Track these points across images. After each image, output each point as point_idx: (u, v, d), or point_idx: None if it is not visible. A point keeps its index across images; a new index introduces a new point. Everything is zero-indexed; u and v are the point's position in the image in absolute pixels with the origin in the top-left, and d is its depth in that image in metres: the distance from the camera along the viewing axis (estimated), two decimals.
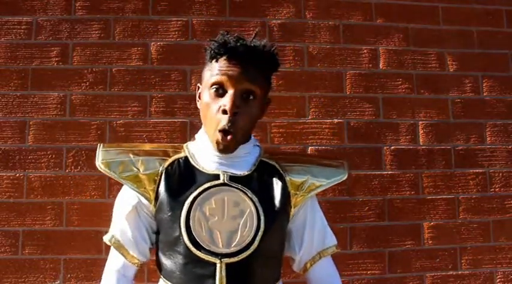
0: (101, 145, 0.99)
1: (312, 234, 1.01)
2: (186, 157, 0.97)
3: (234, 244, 0.87)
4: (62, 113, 1.41)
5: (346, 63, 1.52)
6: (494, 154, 1.54)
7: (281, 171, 0.98)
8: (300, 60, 1.50)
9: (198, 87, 1.02)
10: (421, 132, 1.52)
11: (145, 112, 1.43)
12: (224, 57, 0.90)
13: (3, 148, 1.38)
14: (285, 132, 1.46)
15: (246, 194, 0.91)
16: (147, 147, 1.03)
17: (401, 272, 1.44)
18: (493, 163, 1.53)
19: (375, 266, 1.44)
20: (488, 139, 1.55)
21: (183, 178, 0.94)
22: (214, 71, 0.91)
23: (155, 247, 0.98)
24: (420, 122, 1.52)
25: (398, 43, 1.55)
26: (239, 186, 0.92)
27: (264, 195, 0.93)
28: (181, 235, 0.87)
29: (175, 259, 0.90)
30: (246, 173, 0.95)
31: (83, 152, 1.39)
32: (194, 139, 1.04)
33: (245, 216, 0.89)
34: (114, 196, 1.35)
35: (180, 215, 0.89)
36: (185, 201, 0.90)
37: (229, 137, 0.88)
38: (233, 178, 0.93)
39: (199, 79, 1.00)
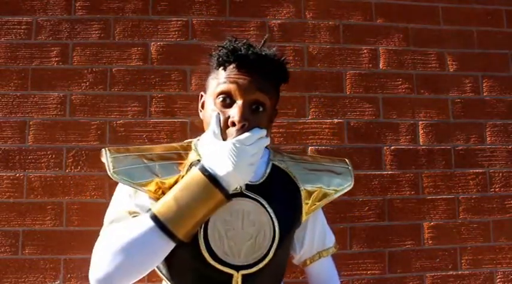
0: (107, 152, 0.90)
1: (313, 236, 1.01)
2: (198, 161, 0.89)
3: (252, 255, 0.86)
4: (62, 113, 1.41)
5: (346, 63, 1.52)
6: (494, 154, 1.54)
7: (295, 181, 0.96)
8: (300, 60, 1.50)
9: (201, 96, 0.97)
10: (421, 132, 1.52)
11: (145, 112, 1.43)
12: (233, 65, 0.85)
13: (3, 148, 1.38)
14: (285, 132, 1.46)
15: (262, 205, 0.88)
16: (157, 150, 0.95)
17: (401, 272, 1.44)
18: (493, 163, 1.53)
19: (375, 266, 1.44)
20: (488, 139, 1.55)
21: None
22: (221, 79, 0.85)
23: None
24: (420, 122, 1.52)
25: (398, 43, 1.55)
26: (255, 196, 0.89)
27: (278, 204, 0.90)
28: (199, 245, 0.84)
29: (187, 266, 0.87)
30: (261, 181, 0.92)
31: (83, 152, 1.39)
32: (199, 138, 0.99)
33: (262, 227, 0.87)
34: None
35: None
36: None
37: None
38: (248, 187, 0.90)
39: (202, 87, 0.97)
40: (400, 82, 1.54)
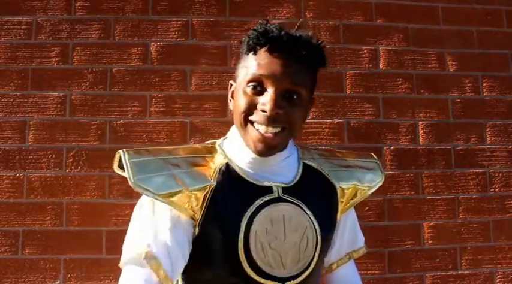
0: (126, 155, 0.77)
1: (343, 235, 0.95)
2: (227, 165, 0.83)
3: (296, 265, 0.78)
4: (62, 113, 1.41)
5: (346, 63, 1.52)
6: (494, 154, 1.54)
7: (330, 179, 0.89)
8: None
9: (231, 85, 0.89)
10: (421, 132, 1.52)
11: (145, 112, 1.43)
12: (264, 49, 0.77)
13: (3, 148, 1.38)
14: None
15: (302, 208, 0.81)
16: (182, 152, 0.83)
17: (401, 272, 1.44)
18: (493, 163, 1.53)
19: (375, 266, 1.44)
20: (488, 139, 1.55)
21: (232, 193, 0.79)
22: (251, 65, 0.78)
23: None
24: (420, 122, 1.52)
25: (398, 43, 1.55)
26: (294, 199, 0.81)
27: (316, 206, 0.83)
28: (239, 260, 0.75)
29: None
30: (295, 181, 0.85)
31: (83, 152, 1.39)
32: (226, 137, 0.92)
33: (304, 233, 0.79)
34: (114, 196, 1.37)
35: (238, 239, 0.75)
36: (240, 222, 0.76)
37: (269, 139, 0.77)
38: (287, 190, 0.82)
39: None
40: (400, 82, 1.54)
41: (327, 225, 0.85)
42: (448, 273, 1.46)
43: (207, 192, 0.77)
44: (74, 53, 1.44)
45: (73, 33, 1.44)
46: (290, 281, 0.77)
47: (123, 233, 0.83)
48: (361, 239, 0.99)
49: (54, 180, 1.37)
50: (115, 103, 1.42)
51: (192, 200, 0.76)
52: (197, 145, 0.90)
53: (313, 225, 0.81)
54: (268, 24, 0.79)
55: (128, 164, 0.75)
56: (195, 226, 0.78)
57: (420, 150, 1.51)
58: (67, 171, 1.38)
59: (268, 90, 0.76)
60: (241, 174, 0.82)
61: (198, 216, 0.77)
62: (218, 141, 0.90)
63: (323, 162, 0.92)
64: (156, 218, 0.77)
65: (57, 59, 1.43)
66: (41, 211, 1.36)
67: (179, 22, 1.48)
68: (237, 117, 0.80)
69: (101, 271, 1.35)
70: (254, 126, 0.77)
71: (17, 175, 1.37)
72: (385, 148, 1.50)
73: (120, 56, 1.45)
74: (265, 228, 0.77)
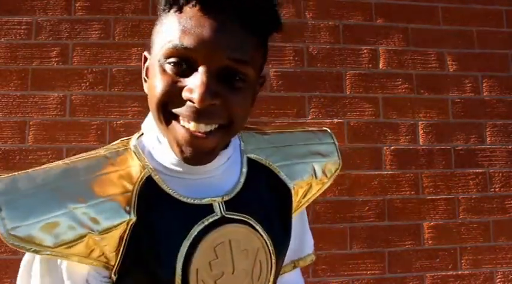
0: None
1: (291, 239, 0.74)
2: (148, 180, 0.58)
3: None
4: (62, 113, 1.41)
5: (346, 63, 1.52)
6: (494, 154, 1.54)
7: (281, 177, 0.68)
8: (300, 60, 1.50)
9: (145, 59, 0.65)
10: (421, 132, 1.52)
11: (145, 112, 1.42)
12: (192, 4, 0.51)
13: (3, 148, 1.38)
14: None
15: (251, 224, 0.60)
16: (80, 169, 0.57)
17: (401, 272, 1.44)
18: (493, 163, 1.53)
19: (375, 266, 1.44)
20: (488, 139, 1.55)
21: (161, 223, 0.56)
22: (172, 30, 0.52)
23: None
24: (420, 122, 1.52)
25: (398, 43, 1.55)
26: (241, 216, 0.60)
27: (266, 216, 0.64)
28: None
29: None
30: (239, 188, 0.62)
31: (83, 152, 1.39)
32: (141, 132, 0.68)
33: (256, 257, 0.60)
34: None
35: (174, 281, 0.55)
36: (175, 262, 0.55)
37: (201, 141, 0.53)
38: (231, 204, 0.60)
39: (146, 47, 0.65)
40: (400, 82, 1.54)
41: (283, 237, 0.66)
42: (448, 273, 1.46)
43: (124, 231, 0.54)
44: (74, 53, 1.44)
45: (73, 33, 1.44)
46: None
47: None
48: (309, 245, 0.78)
49: None
50: (115, 103, 1.43)
51: (103, 245, 0.54)
52: (101, 152, 0.61)
53: (266, 243, 0.61)
54: None
55: (1, 210, 0.50)
56: (114, 274, 0.56)
57: (420, 150, 1.51)
58: None
59: (199, 68, 0.50)
60: (168, 191, 0.58)
61: (114, 262, 0.55)
62: (132, 140, 0.64)
63: (272, 152, 0.69)
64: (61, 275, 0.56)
65: (57, 59, 1.43)
66: None
67: None
68: (153, 107, 0.55)
69: None
70: (179, 122, 0.53)
71: None
72: (385, 148, 1.50)
73: (120, 56, 1.45)
74: (208, 263, 0.56)
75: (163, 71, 0.52)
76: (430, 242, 1.47)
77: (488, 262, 1.48)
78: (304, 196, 0.73)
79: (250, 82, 0.55)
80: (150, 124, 0.63)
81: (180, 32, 0.51)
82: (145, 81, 0.64)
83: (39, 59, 1.42)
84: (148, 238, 0.56)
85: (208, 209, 0.59)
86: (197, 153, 0.54)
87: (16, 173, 0.54)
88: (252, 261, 0.60)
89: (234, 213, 0.60)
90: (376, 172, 1.48)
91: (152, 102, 0.55)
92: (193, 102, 0.50)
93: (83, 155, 0.62)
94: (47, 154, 1.38)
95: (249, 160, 0.66)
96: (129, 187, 0.57)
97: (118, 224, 0.54)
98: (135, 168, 0.59)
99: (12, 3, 1.44)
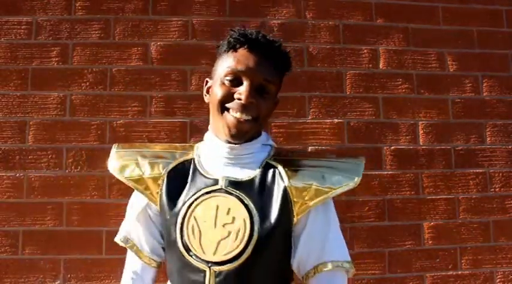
0: (115, 146, 1.00)
1: (309, 246, 0.88)
2: (192, 160, 0.95)
3: (223, 252, 0.83)
4: (62, 113, 1.41)
5: (346, 63, 1.52)
6: (494, 154, 1.54)
7: (282, 176, 0.89)
8: (300, 60, 1.50)
9: (207, 82, 0.98)
10: (421, 132, 1.52)
11: (145, 112, 1.43)
12: (243, 47, 0.88)
13: (3, 148, 1.38)
14: (285, 132, 1.46)
15: (243, 201, 0.86)
16: (158, 148, 1.00)
17: (401, 272, 1.44)
18: (493, 163, 1.53)
19: (375, 266, 1.44)
20: (488, 139, 1.55)
21: (184, 183, 0.91)
22: (230, 60, 0.88)
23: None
24: (420, 122, 1.52)
25: (398, 43, 1.55)
26: (237, 192, 0.87)
27: (263, 202, 0.87)
28: (176, 240, 0.86)
29: (173, 262, 0.90)
30: (249, 177, 0.89)
31: (83, 152, 1.39)
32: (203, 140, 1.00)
33: (237, 224, 0.85)
34: (114, 196, 1.37)
35: (177, 221, 0.87)
36: (182, 206, 0.88)
37: (243, 124, 0.87)
38: (234, 183, 0.88)
39: (207, 75, 0.99)
40: (400, 82, 1.54)
41: (270, 222, 0.85)
42: (448, 273, 1.46)
43: (160, 179, 0.92)
44: (74, 53, 1.44)
45: (73, 33, 1.44)
46: (217, 266, 0.83)
47: None
48: (329, 253, 0.88)
49: (54, 180, 1.37)
50: (115, 103, 1.43)
51: (150, 185, 0.93)
52: (176, 145, 1.04)
53: (252, 219, 0.85)
54: (246, 29, 0.91)
55: (112, 154, 0.98)
56: (158, 209, 0.93)
57: (420, 150, 1.51)
58: (67, 171, 1.38)
59: (244, 82, 0.86)
60: (199, 168, 0.93)
61: (157, 199, 0.93)
62: (198, 143, 1.01)
63: (291, 162, 0.93)
64: (133, 210, 0.98)
65: (57, 59, 1.43)
66: (41, 211, 1.36)
67: (179, 22, 1.48)
68: (214, 105, 0.90)
69: (101, 271, 1.35)
70: (229, 112, 0.87)
71: (17, 175, 1.37)
72: (385, 148, 1.50)
73: (120, 56, 1.45)
74: (200, 213, 0.86)
75: (223, 84, 0.89)
76: (430, 242, 1.47)
77: (488, 262, 1.48)
78: (313, 199, 0.88)
79: (272, 95, 0.92)
80: (207, 136, 0.98)
81: (236, 61, 0.88)
82: (205, 95, 0.97)
83: (39, 58, 1.42)
84: (171, 191, 0.91)
85: (215, 182, 0.89)
86: (239, 131, 0.87)
87: (126, 144, 1.07)
88: (232, 225, 0.85)
89: (233, 190, 0.88)
90: (376, 172, 1.48)
91: (215, 102, 0.89)
92: (241, 100, 0.85)
93: (167, 144, 1.09)
94: (47, 154, 1.38)
95: (267, 163, 0.93)
96: (177, 161, 0.95)
97: (155, 176, 0.93)
98: (190, 154, 0.97)
99: (12, 3, 1.44)
